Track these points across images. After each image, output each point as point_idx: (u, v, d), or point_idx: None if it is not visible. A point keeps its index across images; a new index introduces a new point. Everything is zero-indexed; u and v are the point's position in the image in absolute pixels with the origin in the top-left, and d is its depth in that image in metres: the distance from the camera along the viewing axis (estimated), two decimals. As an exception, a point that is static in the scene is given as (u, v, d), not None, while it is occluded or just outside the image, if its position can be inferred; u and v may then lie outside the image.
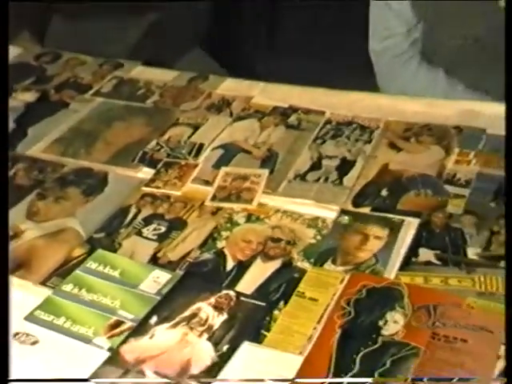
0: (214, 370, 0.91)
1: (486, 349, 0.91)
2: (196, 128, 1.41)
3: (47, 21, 2.18)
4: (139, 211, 1.21)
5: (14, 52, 1.74)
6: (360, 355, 0.91)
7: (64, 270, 1.09)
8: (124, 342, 0.97)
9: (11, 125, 1.47)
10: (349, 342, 0.93)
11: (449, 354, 0.90)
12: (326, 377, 0.89)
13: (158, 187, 1.25)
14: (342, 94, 1.49)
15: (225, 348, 0.94)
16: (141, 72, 1.65)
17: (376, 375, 0.88)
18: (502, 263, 1.03)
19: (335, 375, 0.89)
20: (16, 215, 1.22)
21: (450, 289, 1.00)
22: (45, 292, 1.06)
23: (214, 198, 1.21)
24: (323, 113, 1.41)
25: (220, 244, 1.12)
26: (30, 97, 1.57)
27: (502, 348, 0.90)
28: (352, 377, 0.88)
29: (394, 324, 0.95)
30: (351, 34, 2.47)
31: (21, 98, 1.56)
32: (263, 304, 1.00)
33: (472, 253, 1.05)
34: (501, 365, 0.88)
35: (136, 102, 1.53)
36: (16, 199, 1.26)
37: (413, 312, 0.96)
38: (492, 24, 1.50)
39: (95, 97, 1.56)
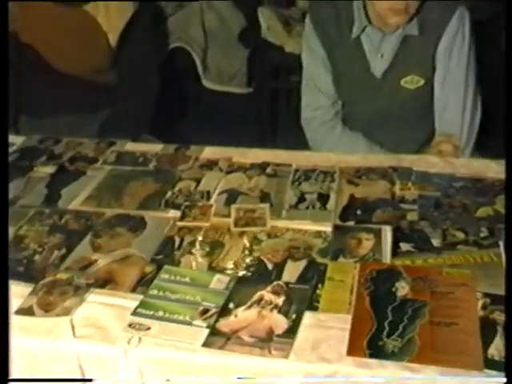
0: (292, 330, 1.13)
1: (468, 296, 1.19)
2: (198, 181, 1.62)
3: (16, 119, 2.32)
4: (183, 239, 1.40)
5: (19, 140, 1.90)
6: (389, 308, 1.16)
7: (144, 282, 1.26)
8: (216, 321, 1.15)
9: (44, 190, 1.62)
10: (378, 303, 1.18)
11: (446, 302, 1.18)
12: (372, 325, 1.13)
13: (189, 221, 1.45)
14: (296, 152, 1.77)
15: (293, 316, 1.16)
16: (132, 146, 1.84)
17: (405, 319, 1.14)
18: (457, 247, 1.33)
19: (378, 323, 1.13)
20: (83, 250, 1.38)
21: (430, 265, 1.28)
22: (136, 297, 1.22)
23: (236, 225, 1.43)
24: (290, 165, 1.68)
25: (256, 254, 1.33)
26: (49, 169, 1.70)
27: (478, 294, 1.19)
28: (389, 323, 1.13)
29: (402, 289, 1.21)
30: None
31: (42, 170, 1.70)
32: (307, 287, 1.23)
33: (436, 242, 1.34)
34: (480, 303, 1.17)
35: (140, 166, 1.72)
36: (77, 239, 1.41)
37: (412, 281, 1.23)
38: (390, 101, 1.87)
39: (104, 165, 1.73)
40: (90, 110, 2.33)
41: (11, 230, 1.44)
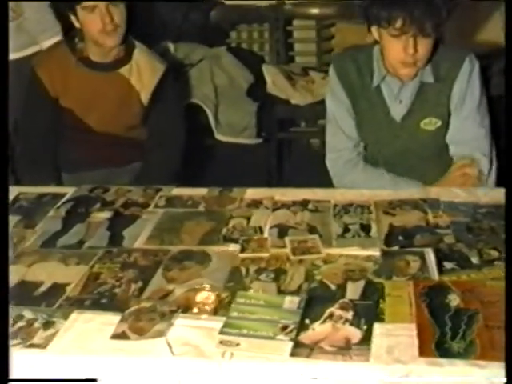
0: (366, 339, 1.26)
1: None
2: (248, 218, 1.76)
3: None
4: (248, 268, 1.53)
5: (71, 190, 2.02)
6: (447, 317, 1.30)
7: (223, 305, 1.38)
8: (297, 335, 1.28)
9: (106, 232, 1.74)
10: (435, 312, 1.32)
11: (497, 309, 1.31)
12: (435, 331, 1.26)
13: (250, 253, 1.58)
14: (331, 190, 1.93)
15: (364, 327, 1.28)
16: (179, 191, 1.97)
17: (463, 325, 1.28)
18: (495, 263, 1.48)
19: (441, 329, 1.26)
20: (158, 282, 1.49)
21: (474, 280, 1.43)
22: (218, 319, 1.34)
23: (294, 254, 1.56)
24: (329, 201, 1.82)
25: (318, 278, 1.47)
26: (106, 214, 1.82)
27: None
28: (450, 329, 1.27)
29: (454, 300, 1.35)
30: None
31: (99, 216, 1.82)
32: (371, 302, 1.37)
33: (475, 260, 1.49)
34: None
35: (190, 208, 1.85)
36: (150, 273, 1.52)
37: (461, 294, 1.37)
38: (410, 141, 2.04)
39: (157, 209, 1.85)
40: (122, 162, 2.48)
41: (85, 268, 1.56)
